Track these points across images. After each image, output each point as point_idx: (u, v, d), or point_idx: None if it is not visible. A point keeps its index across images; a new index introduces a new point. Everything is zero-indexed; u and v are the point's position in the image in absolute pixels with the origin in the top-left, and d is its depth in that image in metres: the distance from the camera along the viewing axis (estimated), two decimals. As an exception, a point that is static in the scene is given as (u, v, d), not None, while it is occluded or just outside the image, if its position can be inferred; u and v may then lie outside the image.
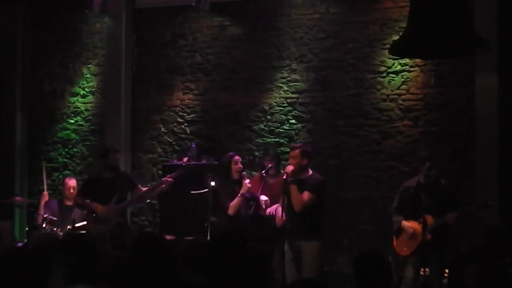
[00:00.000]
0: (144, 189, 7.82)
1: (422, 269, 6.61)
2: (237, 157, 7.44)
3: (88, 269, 3.56)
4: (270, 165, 7.86)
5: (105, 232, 7.33)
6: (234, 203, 7.19)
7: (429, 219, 6.56)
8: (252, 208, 7.29)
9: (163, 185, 7.63)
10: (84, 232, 7.64)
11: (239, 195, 7.19)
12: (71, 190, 8.39)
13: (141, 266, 3.78)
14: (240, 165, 7.38)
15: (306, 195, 6.64)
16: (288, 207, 6.73)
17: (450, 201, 6.69)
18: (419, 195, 6.75)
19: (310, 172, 6.80)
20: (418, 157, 8.02)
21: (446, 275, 6.56)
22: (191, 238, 7.02)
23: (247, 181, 7.24)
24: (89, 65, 9.89)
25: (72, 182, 8.46)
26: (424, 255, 6.54)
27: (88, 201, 7.64)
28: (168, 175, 7.75)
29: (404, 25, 5.97)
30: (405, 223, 6.80)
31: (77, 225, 7.76)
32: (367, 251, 4.01)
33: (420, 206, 6.68)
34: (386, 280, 3.86)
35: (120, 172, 7.93)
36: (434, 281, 6.50)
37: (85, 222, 7.76)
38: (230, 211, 7.18)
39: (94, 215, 7.81)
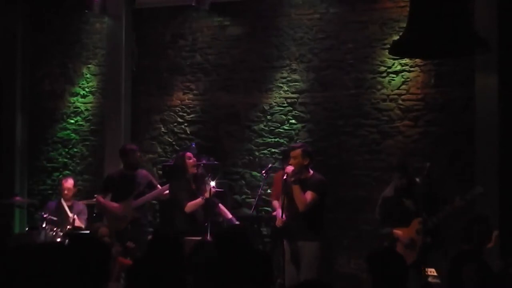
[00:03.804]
0: (161, 188, 7.90)
1: (428, 270, 6.56)
2: (188, 153, 7.49)
3: (95, 269, 3.56)
4: (270, 165, 7.87)
5: (121, 226, 7.47)
6: (193, 203, 7.20)
7: (417, 222, 6.47)
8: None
9: None
10: (86, 232, 7.69)
11: (201, 197, 7.18)
12: (66, 192, 8.39)
13: (156, 266, 3.79)
14: (194, 159, 7.44)
15: (309, 194, 6.64)
16: (288, 208, 6.73)
17: (434, 197, 6.50)
18: (402, 201, 6.66)
19: (311, 172, 6.80)
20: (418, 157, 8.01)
21: None
22: (191, 238, 7.00)
23: (212, 184, 7.20)
24: (89, 65, 9.89)
25: (68, 184, 8.44)
26: (424, 256, 6.47)
27: (106, 202, 7.79)
28: None
29: (404, 25, 5.97)
30: (398, 232, 6.63)
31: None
32: (381, 248, 4.00)
33: (407, 211, 6.58)
34: (401, 277, 3.83)
35: (139, 170, 8.01)
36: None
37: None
38: (187, 209, 7.20)
39: (94, 214, 7.86)
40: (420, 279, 6.52)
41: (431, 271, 6.70)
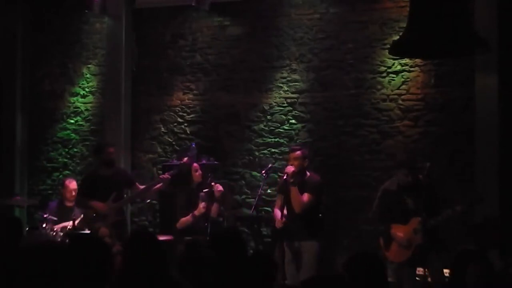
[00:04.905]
0: (142, 187, 7.86)
1: (422, 270, 6.55)
2: (195, 165, 7.43)
3: (95, 269, 3.56)
4: (270, 165, 7.86)
5: (104, 230, 7.40)
6: (184, 220, 7.15)
7: (416, 222, 6.44)
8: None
9: (161, 183, 7.69)
10: (88, 232, 7.68)
11: (191, 215, 7.13)
12: (73, 193, 8.38)
13: (134, 263, 3.79)
14: (200, 172, 7.34)
15: (305, 196, 6.67)
16: (288, 208, 6.74)
17: (434, 197, 6.47)
18: (403, 198, 6.60)
19: (308, 173, 6.83)
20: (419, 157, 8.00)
21: (446, 274, 6.53)
22: (191, 238, 7.00)
23: (202, 204, 7.10)
24: (89, 65, 9.88)
25: (73, 185, 8.44)
26: (421, 256, 6.45)
27: (88, 200, 7.69)
28: (166, 173, 7.80)
29: (404, 25, 5.97)
30: (397, 233, 6.56)
31: (76, 222, 7.81)
32: (359, 253, 3.95)
33: (407, 209, 6.53)
34: (379, 282, 3.80)
35: (117, 169, 7.97)
36: (437, 280, 6.42)
37: (79, 219, 7.88)
38: (179, 226, 7.19)
39: (94, 215, 7.83)
40: (414, 278, 6.54)
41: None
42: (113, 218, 7.60)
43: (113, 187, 7.65)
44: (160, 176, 7.80)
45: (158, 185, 7.76)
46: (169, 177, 7.65)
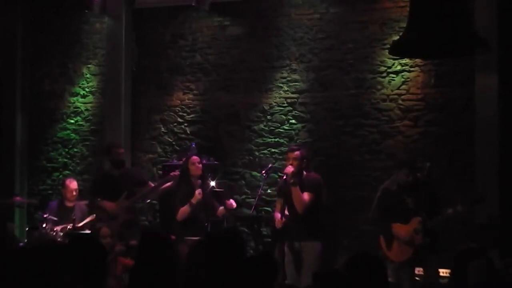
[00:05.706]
0: (153, 185, 7.88)
1: (421, 269, 6.54)
2: (194, 157, 7.37)
3: (97, 269, 3.56)
4: (270, 165, 7.86)
5: (114, 229, 7.41)
6: (183, 210, 7.09)
7: (417, 222, 6.44)
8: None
9: (172, 181, 7.67)
10: (88, 232, 7.68)
11: (188, 204, 7.07)
12: (74, 193, 8.39)
13: (146, 264, 3.80)
14: (198, 166, 7.24)
15: (306, 195, 6.66)
16: (288, 208, 6.73)
17: (434, 197, 6.47)
18: (403, 198, 6.58)
19: (305, 172, 6.82)
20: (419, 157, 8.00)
21: (442, 274, 6.55)
22: (190, 238, 7.00)
23: (198, 191, 7.07)
24: (89, 65, 9.89)
25: (73, 185, 8.45)
26: (421, 256, 6.44)
27: (99, 200, 7.72)
28: (176, 170, 7.77)
29: (404, 25, 5.98)
30: (399, 232, 6.56)
31: (81, 223, 7.82)
32: (359, 253, 3.94)
33: (407, 209, 6.51)
34: (379, 282, 3.80)
35: (126, 169, 7.99)
36: (432, 280, 6.43)
37: (88, 219, 7.86)
38: (178, 217, 7.14)
39: (95, 215, 7.84)
40: (414, 278, 6.53)
41: (444, 272, 6.65)
42: (124, 217, 7.62)
43: (123, 188, 7.69)
44: (171, 174, 7.76)
45: (169, 183, 7.76)
46: (179, 174, 7.63)
